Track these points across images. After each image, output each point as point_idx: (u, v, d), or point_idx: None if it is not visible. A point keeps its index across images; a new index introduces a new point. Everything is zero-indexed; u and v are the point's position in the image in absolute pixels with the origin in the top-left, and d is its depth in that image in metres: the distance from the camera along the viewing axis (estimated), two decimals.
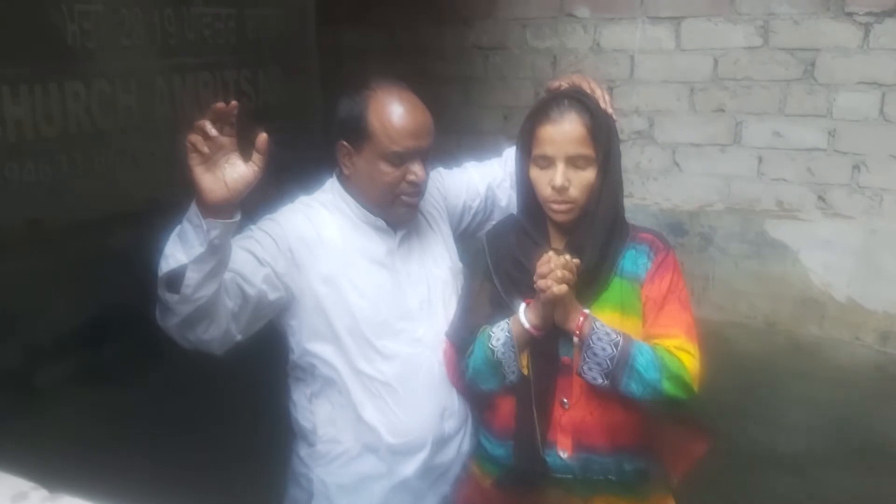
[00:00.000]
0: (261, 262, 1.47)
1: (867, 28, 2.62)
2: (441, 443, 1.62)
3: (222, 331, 1.39)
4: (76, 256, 1.97)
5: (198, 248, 1.25)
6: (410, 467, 1.60)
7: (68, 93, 1.96)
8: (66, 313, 1.97)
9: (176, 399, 2.04)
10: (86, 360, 2.02)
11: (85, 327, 2.02)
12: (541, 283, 1.35)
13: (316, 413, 1.63)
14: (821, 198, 2.82)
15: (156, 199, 2.11)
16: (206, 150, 1.23)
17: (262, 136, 1.26)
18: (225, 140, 1.26)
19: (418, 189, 1.57)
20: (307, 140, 2.65)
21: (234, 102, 1.24)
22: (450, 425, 1.63)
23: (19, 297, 1.82)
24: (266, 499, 1.79)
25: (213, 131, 1.23)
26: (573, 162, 1.42)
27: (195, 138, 1.23)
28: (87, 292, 1.98)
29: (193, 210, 1.26)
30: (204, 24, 2.35)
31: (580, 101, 1.46)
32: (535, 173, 1.47)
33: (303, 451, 1.67)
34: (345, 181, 1.62)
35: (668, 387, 1.38)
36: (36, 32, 1.88)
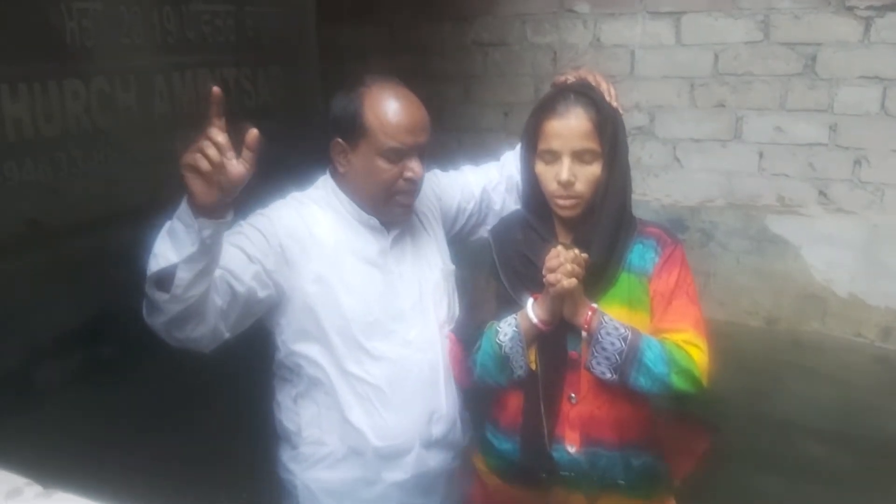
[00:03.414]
0: (251, 259, 1.43)
1: (868, 22, 2.62)
2: (428, 447, 1.60)
3: (210, 329, 1.36)
4: (75, 255, 1.96)
5: (189, 248, 1.21)
6: (398, 472, 1.57)
7: (67, 91, 1.95)
8: (65, 312, 1.97)
9: (172, 397, 2.04)
10: (83, 359, 2.02)
11: (83, 326, 2.01)
12: (550, 277, 1.35)
13: (301, 414, 1.60)
14: (822, 193, 2.81)
15: (155, 197, 2.10)
16: (208, 164, 1.17)
17: (253, 133, 1.21)
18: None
19: (415, 186, 1.54)
20: (307, 138, 2.64)
21: (215, 89, 1.18)
22: (438, 429, 1.60)
23: (18, 295, 1.82)
24: (260, 494, 1.78)
25: (221, 138, 1.18)
26: (579, 156, 1.42)
27: (209, 150, 1.17)
28: (85, 291, 1.97)
29: (185, 209, 1.21)
30: (203, 22, 2.34)
31: (586, 95, 1.45)
32: (541, 168, 1.47)
33: (285, 454, 1.64)
34: (339, 179, 1.59)
35: (676, 381, 1.38)
36: (34, 31, 1.87)
